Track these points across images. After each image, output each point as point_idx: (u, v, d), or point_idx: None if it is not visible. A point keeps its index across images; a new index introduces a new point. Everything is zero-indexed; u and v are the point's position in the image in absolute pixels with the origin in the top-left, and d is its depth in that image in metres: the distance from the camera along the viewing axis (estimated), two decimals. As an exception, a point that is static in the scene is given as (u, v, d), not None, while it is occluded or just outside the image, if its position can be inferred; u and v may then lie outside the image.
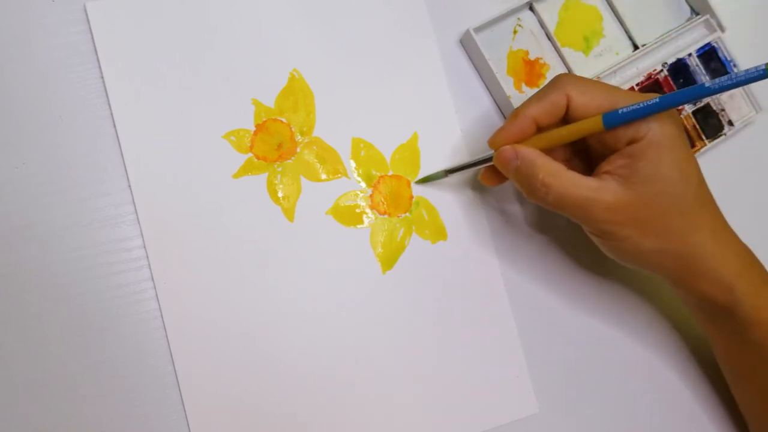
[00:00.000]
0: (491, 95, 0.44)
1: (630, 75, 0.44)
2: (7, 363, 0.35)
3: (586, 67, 0.44)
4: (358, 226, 0.40)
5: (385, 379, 0.39)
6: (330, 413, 0.38)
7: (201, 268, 0.38)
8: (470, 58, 0.44)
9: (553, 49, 0.44)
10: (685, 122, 0.45)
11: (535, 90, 0.43)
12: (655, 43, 0.45)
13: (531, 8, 0.44)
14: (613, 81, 0.44)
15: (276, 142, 0.40)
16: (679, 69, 0.45)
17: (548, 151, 0.36)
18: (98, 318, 0.36)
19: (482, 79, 0.44)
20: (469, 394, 0.40)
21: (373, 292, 0.40)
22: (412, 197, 0.42)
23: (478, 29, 0.42)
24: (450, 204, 0.42)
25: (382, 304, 0.40)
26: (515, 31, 0.44)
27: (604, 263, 0.42)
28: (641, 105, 0.33)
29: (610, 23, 0.45)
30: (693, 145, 0.45)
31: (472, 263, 0.42)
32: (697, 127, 0.45)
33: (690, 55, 0.45)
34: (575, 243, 0.43)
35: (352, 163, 0.41)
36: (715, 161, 0.45)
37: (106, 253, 0.37)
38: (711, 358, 0.41)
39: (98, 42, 0.38)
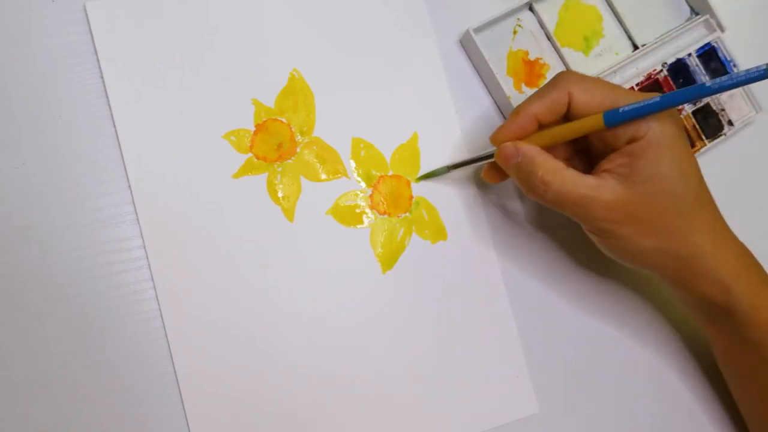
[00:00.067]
0: (491, 95, 0.44)
1: (630, 75, 0.44)
2: (7, 363, 0.35)
3: (586, 67, 0.44)
4: (358, 226, 0.40)
5: (385, 379, 0.39)
6: (330, 413, 0.38)
7: (201, 268, 0.38)
8: (470, 58, 0.44)
9: (552, 49, 0.44)
10: (685, 122, 0.45)
11: (535, 90, 0.43)
12: (655, 43, 0.45)
13: (531, 8, 0.44)
14: (613, 81, 0.44)
15: (276, 142, 0.40)
16: (678, 69, 0.45)
17: (549, 149, 0.36)
18: (98, 318, 0.36)
19: (482, 80, 0.44)
20: (469, 394, 0.40)
21: (373, 292, 0.40)
22: (412, 197, 0.42)
23: (477, 29, 0.42)
24: (450, 204, 0.42)
25: (382, 304, 0.40)
26: (515, 32, 0.44)
27: (603, 263, 0.42)
28: (642, 104, 0.33)
29: (609, 23, 0.45)
30: (693, 145, 0.45)
31: (472, 263, 0.42)
32: (697, 127, 0.45)
33: (690, 55, 0.45)
34: (575, 243, 0.43)
35: (352, 163, 0.41)
36: (714, 161, 0.45)
37: (106, 253, 0.37)
38: (711, 357, 0.41)
39: (98, 42, 0.38)
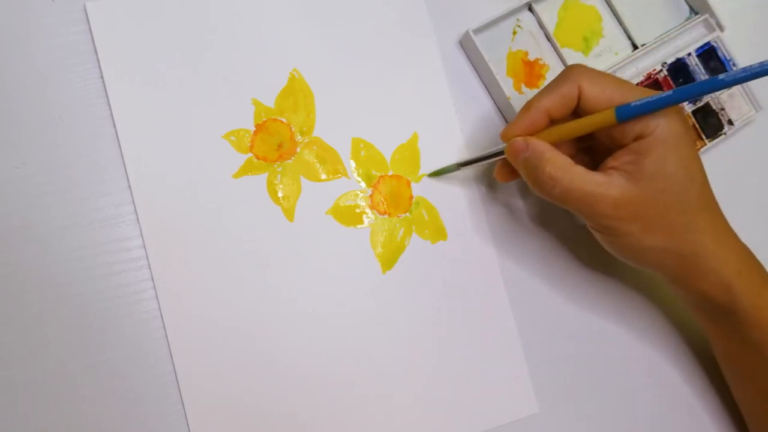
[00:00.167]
0: (491, 96, 0.44)
1: (630, 75, 0.44)
2: (7, 363, 0.35)
3: (585, 67, 0.44)
4: (358, 226, 0.40)
5: (385, 379, 0.39)
6: (330, 413, 0.38)
7: (201, 268, 0.38)
8: (470, 59, 0.44)
9: (552, 49, 0.44)
10: (685, 122, 0.45)
11: (535, 91, 0.43)
12: (655, 42, 0.45)
13: (530, 9, 0.44)
14: (613, 81, 0.44)
15: (276, 142, 0.40)
16: (678, 69, 0.45)
17: (556, 146, 0.36)
18: (98, 318, 0.36)
19: (482, 80, 0.44)
20: (469, 394, 0.40)
21: (373, 292, 0.40)
22: (412, 197, 0.42)
23: (477, 30, 0.42)
24: (450, 204, 0.42)
25: (382, 304, 0.40)
26: (514, 32, 0.44)
27: (604, 263, 0.42)
28: (654, 98, 0.32)
29: (609, 23, 0.45)
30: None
31: (472, 263, 0.42)
32: (697, 126, 0.45)
33: (689, 54, 0.45)
34: (575, 243, 0.43)
35: (352, 163, 0.41)
36: (715, 161, 0.45)
37: (106, 253, 0.37)
38: (712, 358, 0.41)
39: (98, 42, 0.38)
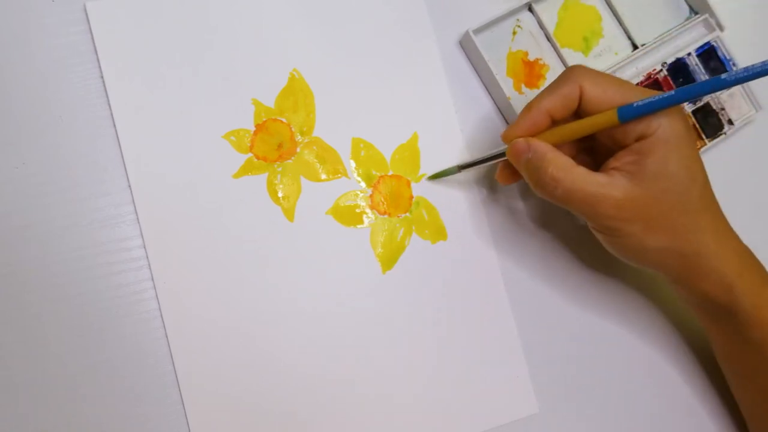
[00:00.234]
0: (491, 96, 0.44)
1: (629, 75, 0.44)
2: (7, 363, 0.35)
3: (585, 67, 0.44)
4: (358, 226, 0.40)
5: (385, 379, 0.39)
6: (330, 413, 0.38)
7: (201, 268, 0.38)
8: (470, 59, 0.44)
9: (552, 49, 0.44)
10: (685, 122, 0.45)
11: (535, 91, 0.43)
12: (655, 42, 0.45)
13: (530, 9, 0.44)
14: (613, 81, 0.44)
15: (276, 142, 0.40)
16: (678, 68, 0.45)
17: (557, 147, 0.36)
18: (98, 318, 0.36)
19: (482, 80, 0.44)
20: (469, 394, 0.40)
21: (373, 292, 0.40)
22: (412, 197, 0.42)
23: (477, 30, 0.42)
24: (450, 204, 0.42)
25: (382, 304, 0.40)
26: (514, 32, 0.44)
27: (604, 263, 0.42)
28: (657, 98, 0.32)
29: (609, 23, 0.45)
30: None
31: (472, 263, 0.42)
32: (697, 126, 0.45)
33: (689, 54, 0.45)
34: (575, 243, 0.43)
35: (352, 163, 0.41)
36: (715, 160, 0.45)
37: (106, 253, 0.37)
38: (712, 357, 0.41)
39: (98, 42, 0.38)
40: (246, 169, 0.39)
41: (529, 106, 0.36)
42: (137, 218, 0.37)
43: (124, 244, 0.37)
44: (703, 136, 0.45)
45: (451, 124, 0.43)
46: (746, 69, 0.30)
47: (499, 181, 0.40)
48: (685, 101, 0.32)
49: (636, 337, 0.43)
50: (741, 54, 0.45)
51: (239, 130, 0.39)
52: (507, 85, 0.43)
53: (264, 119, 0.40)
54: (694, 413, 0.43)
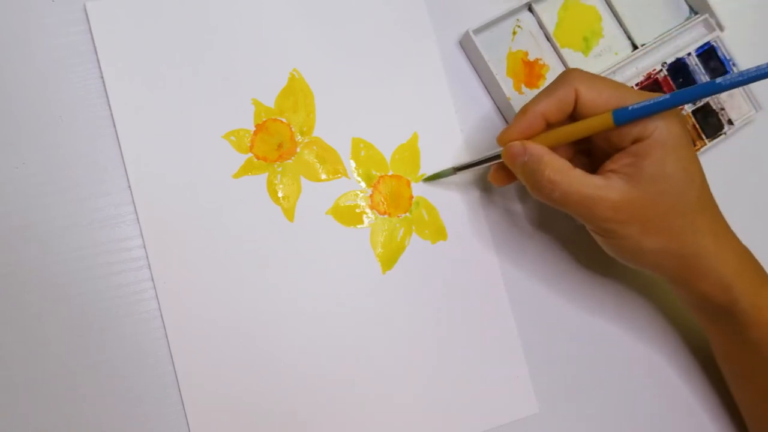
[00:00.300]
0: (491, 96, 0.44)
1: (629, 75, 0.44)
2: (7, 363, 0.35)
3: (585, 67, 0.44)
4: (358, 226, 0.40)
5: (385, 379, 0.39)
6: (330, 413, 0.38)
7: (201, 268, 0.38)
8: (470, 59, 0.44)
9: (552, 49, 0.44)
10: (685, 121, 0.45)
11: (535, 91, 0.43)
12: (654, 42, 0.45)
13: (530, 9, 0.44)
14: (613, 81, 0.44)
15: (276, 142, 0.40)
16: (678, 68, 0.45)
17: (553, 149, 0.36)
18: (98, 318, 0.36)
19: (482, 80, 0.44)
20: (469, 394, 0.40)
21: (373, 292, 0.40)
22: (412, 197, 0.42)
23: (477, 30, 0.42)
24: (450, 204, 0.42)
25: (382, 304, 0.40)
26: (514, 32, 0.44)
27: (603, 263, 0.42)
28: (652, 101, 0.32)
29: (609, 23, 0.45)
30: (693, 145, 0.45)
31: (472, 263, 0.42)
32: (697, 126, 0.45)
33: (689, 54, 0.45)
34: (575, 243, 0.43)
35: (352, 163, 0.41)
36: (715, 160, 0.45)
37: (106, 253, 0.37)
38: (711, 357, 0.41)
39: (98, 42, 0.38)
40: (246, 169, 0.39)
41: (524, 109, 0.36)
42: (137, 218, 0.37)
43: (124, 244, 0.37)
44: (703, 136, 0.45)
45: (451, 124, 0.43)
46: (741, 74, 0.30)
47: (492, 182, 0.40)
48: (680, 105, 0.32)
49: (636, 337, 0.43)
50: (741, 54, 0.45)
51: (239, 130, 0.39)
52: (507, 85, 0.43)
53: (264, 119, 0.40)
54: (694, 413, 0.43)
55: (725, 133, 0.45)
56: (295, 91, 0.40)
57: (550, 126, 0.36)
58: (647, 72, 0.44)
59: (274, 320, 0.38)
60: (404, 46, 0.42)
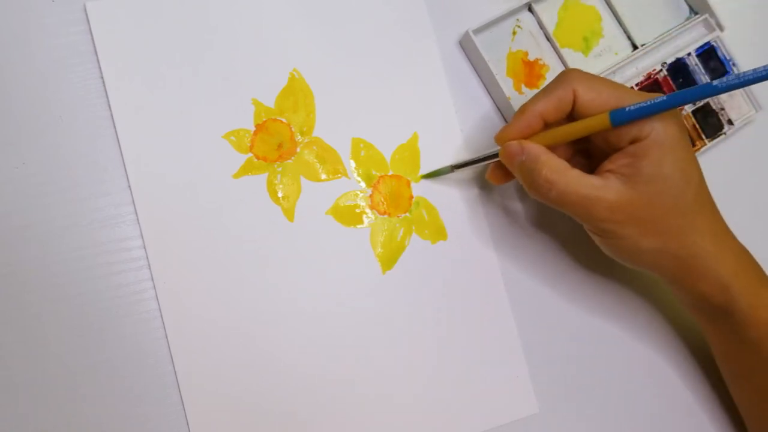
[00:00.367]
0: (491, 96, 0.44)
1: (629, 75, 0.44)
2: (7, 363, 0.35)
3: (585, 67, 0.44)
4: (358, 226, 0.40)
5: (385, 379, 0.39)
6: (330, 413, 0.38)
7: (201, 268, 0.38)
8: (470, 59, 0.44)
9: (552, 49, 0.44)
10: (685, 121, 0.45)
11: (535, 91, 0.43)
12: (654, 42, 0.45)
13: (530, 9, 0.44)
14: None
15: (276, 142, 0.40)
16: (678, 68, 0.45)
17: (551, 149, 0.36)
18: (98, 318, 0.36)
19: (482, 80, 0.44)
20: (469, 394, 0.40)
21: (373, 292, 0.40)
22: (412, 197, 0.42)
23: (477, 30, 0.42)
24: (450, 204, 0.42)
25: (382, 304, 0.40)
26: (514, 32, 0.44)
27: (603, 263, 0.42)
28: (649, 103, 0.33)
29: (609, 23, 0.45)
30: (693, 145, 0.45)
31: (472, 263, 0.42)
32: (697, 126, 0.45)
33: (689, 54, 0.45)
34: (575, 243, 0.43)
35: (352, 163, 0.41)
36: (714, 160, 0.45)
37: (106, 253, 0.37)
38: (711, 357, 0.41)
39: (98, 42, 0.38)
40: (246, 169, 0.39)
41: (522, 109, 0.36)
42: (137, 218, 0.37)
43: (124, 244, 0.37)
44: (703, 136, 0.45)
45: (451, 124, 0.43)
46: (738, 76, 0.30)
47: (490, 180, 0.40)
48: (676, 107, 0.33)
49: (635, 338, 0.43)
50: (741, 54, 0.45)
51: (239, 130, 0.39)
52: (507, 85, 0.43)
53: (264, 119, 0.40)
54: (694, 413, 0.43)
55: (725, 133, 0.45)
56: (295, 91, 0.40)
57: (548, 126, 0.36)
58: (647, 72, 0.44)
59: (274, 320, 0.38)
60: (404, 46, 0.42)
